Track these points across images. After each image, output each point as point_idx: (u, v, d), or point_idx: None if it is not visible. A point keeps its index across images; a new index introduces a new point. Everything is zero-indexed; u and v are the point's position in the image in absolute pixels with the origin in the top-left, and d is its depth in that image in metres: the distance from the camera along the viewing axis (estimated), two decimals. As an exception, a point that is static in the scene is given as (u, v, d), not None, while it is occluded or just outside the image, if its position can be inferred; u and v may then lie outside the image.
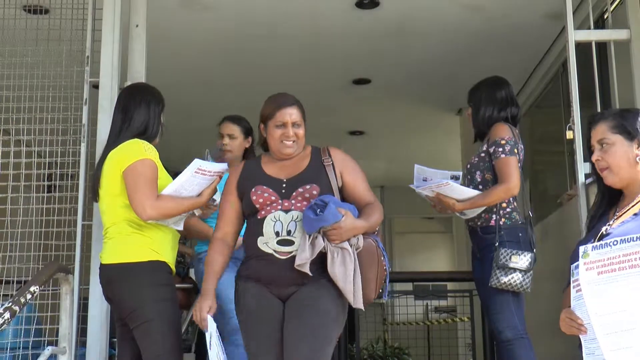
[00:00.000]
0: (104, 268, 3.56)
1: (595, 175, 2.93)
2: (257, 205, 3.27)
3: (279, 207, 3.24)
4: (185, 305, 5.28)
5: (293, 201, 3.25)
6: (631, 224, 2.67)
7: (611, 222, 2.76)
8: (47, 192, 4.61)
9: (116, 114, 3.74)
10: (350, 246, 3.13)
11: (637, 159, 2.77)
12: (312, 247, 3.10)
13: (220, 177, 3.66)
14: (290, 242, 3.17)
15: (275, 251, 3.18)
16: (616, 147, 2.79)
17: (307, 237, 3.12)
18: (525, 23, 5.81)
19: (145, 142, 3.58)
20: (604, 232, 2.73)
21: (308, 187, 3.27)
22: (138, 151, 3.51)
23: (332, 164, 3.40)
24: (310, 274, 3.10)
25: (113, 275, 3.50)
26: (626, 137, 2.78)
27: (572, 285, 2.62)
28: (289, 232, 3.18)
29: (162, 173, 3.60)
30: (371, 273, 3.21)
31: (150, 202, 3.43)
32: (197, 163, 3.52)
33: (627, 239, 2.49)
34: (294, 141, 3.42)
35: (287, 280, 3.17)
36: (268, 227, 3.21)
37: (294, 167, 3.39)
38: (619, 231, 2.67)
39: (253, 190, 3.30)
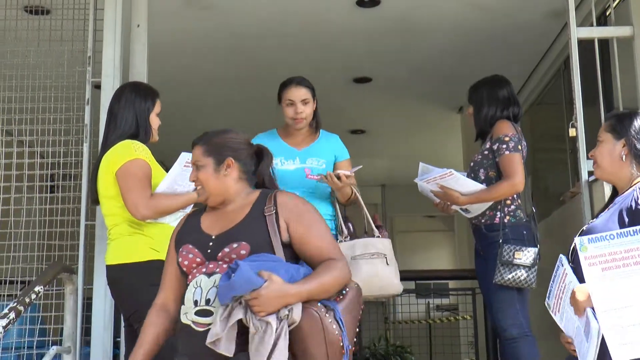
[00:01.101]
0: (108, 269, 3.60)
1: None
2: (184, 269, 2.78)
3: (203, 270, 2.70)
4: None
5: (220, 262, 2.69)
6: (602, 217, 2.82)
7: (596, 218, 2.90)
8: (50, 193, 4.62)
9: (106, 116, 3.79)
10: (280, 319, 2.51)
11: (622, 157, 2.89)
12: (225, 321, 2.52)
13: None
14: (208, 313, 2.62)
15: (193, 322, 2.64)
16: (604, 144, 2.94)
17: (223, 307, 2.53)
18: (527, 20, 5.80)
19: (136, 142, 3.58)
20: (584, 229, 2.85)
21: (235, 245, 2.69)
22: (128, 152, 3.52)
23: (276, 213, 2.78)
24: (226, 352, 2.50)
25: (116, 276, 3.54)
26: (614, 136, 2.92)
27: (560, 278, 2.66)
28: (207, 301, 2.63)
29: (158, 171, 3.61)
30: (318, 352, 2.55)
31: (143, 201, 3.44)
32: (184, 156, 3.50)
33: (624, 232, 2.53)
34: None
35: (207, 356, 2.55)
36: (189, 294, 2.69)
37: (229, 220, 2.82)
38: (593, 225, 2.81)
39: (180, 249, 2.80)
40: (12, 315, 3.39)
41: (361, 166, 4.03)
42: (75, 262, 4.24)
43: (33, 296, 3.58)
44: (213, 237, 2.77)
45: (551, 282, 2.71)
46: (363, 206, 4.04)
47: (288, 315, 2.52)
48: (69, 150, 4.46)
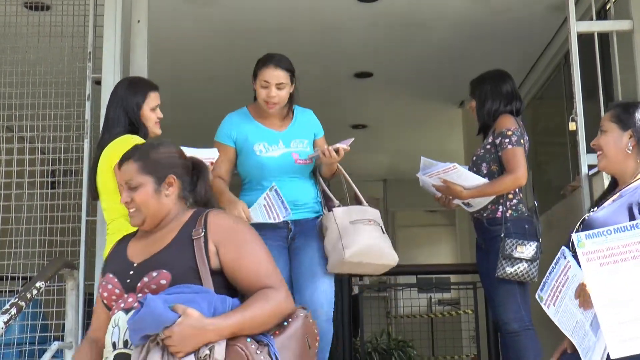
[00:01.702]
0: None
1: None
2: (105, 302, 2.47)
3: (122, 304, 2.39)
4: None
5: (139, 295, 2.37)
6: (606, 210, 2.79)
7: (595, 209, 2.87)
8: (51, 189, 4.62)
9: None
10: None
11: (628, 149, 2.87)
12: None
13: (212, 163, 3.65)
14: (127, 357, 2.29)
15: None
16: (609, 133, 2.92)
17: (138, 350, 2.23)
18: (527, 14, 5.80)
19: (136, 137, 3.57)
20: (586, 219, 2.83)
21: (155, 274, 2.37)
22: (126, 147, 3.49)
23: (205, 235, 2.44)
24: None
25: None
26: (620, 126, 2.90)
27: (556, 274, 2.65)
28: (125, 343, 2.31)
29: None
30: None
31: None
32: (213, 152, 3.60)
33: (622, 227, 2.53)
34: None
35: None
36: (107, 335, 2.38)
37: (155, 245, 2.50)
38: (595, 217, 2.78)
39: (101, 280, 2.52)
40: (13, 310, 3.40)
41: (353, 138, 3.85)
42: (76, 257, 4.25)
43: (34, 292, 3.59)
44: (135, 264, 2.46)
45: (548, 273, 2.69)
46: (348, 179, 3.94)
47: (209, 354, 2.20)
48: (70, 146, 4.47)
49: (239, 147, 3.88)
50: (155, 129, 3.77)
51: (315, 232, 3.77)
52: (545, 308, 2.68)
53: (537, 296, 2.74)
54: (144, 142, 3.57)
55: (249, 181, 3.91)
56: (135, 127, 3.67)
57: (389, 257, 3.74)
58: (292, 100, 3.93)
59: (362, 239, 3.64)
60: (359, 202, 3.91)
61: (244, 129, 3.88)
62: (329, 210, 3.77)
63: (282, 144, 3.84)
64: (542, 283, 2.72)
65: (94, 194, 3.70)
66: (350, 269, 3.77)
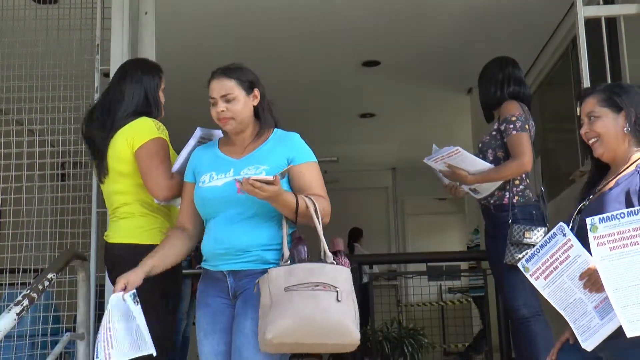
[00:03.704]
0: (110, 247, 3.47)
1: (587, 149, 2.97)
2: None
3: None
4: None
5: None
6: (606, 197, 2.73)
7: (591, 197, 2.82)
8: (61, 181, 4.65)
9: (107, 95, 3.65)
10: None
11: (626, 129, 2.81)
12: None
13: None
14: None
15: None
16: (603, 119, 2.83)
17: None
18: (535, 0, 5.78)
19: (157, 121, 3.50)
20: (583, 207, 2.79)
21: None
22: (150, 130, 3.43)
23: None
24: None
25: (124, 255, 3.38)
26: (613, 110, 2.83)
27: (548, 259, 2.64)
28: None
29: (172, 153, 3.52)
30: None
31: (166, 182, 3.35)
32: (198, 132, 3.42)
33: (635, 210, 2.51)
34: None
35: None
36: None
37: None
38: (594, 205, 2.73)
39: None
40: (25, 302, 3.42)
41: (288, 167, 2.93)
42: (87, 249, 4.27)
43: (46, 283, 3.61)
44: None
45: (539, 246, 2.66)
46: (317, 222, 2.92)
47: None
48: (79, 138, 4.48)
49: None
50: (162, 111, 3.69)
51: (258, 295, 2.85)
52: (530, 278, 2.65)
53: (520, 264, 2.70)
54: (162, 125, 3.51)
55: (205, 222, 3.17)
56: (148, 108, 3.55)
57: (341, 335, 2.72)
58: (261, 118, 3.16)
59: (294, 313, 2.69)
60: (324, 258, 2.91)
61: (202, 160, 3.19)
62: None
63: (232, 172, 3.03)
64: (529, 254, 2.68)
65: (101, 175, 3.57)
66: (291, 349, 2.82)
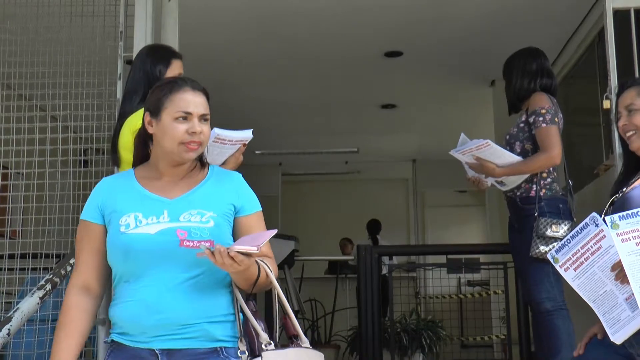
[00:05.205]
0: None
1: (621, 142, 2.91)
2: None
3: None
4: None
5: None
6: (638, 190, 2.68)
7: (624, 189, 2.77)
8: (83, 167, 4.66)
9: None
10: None
11: None
12: None
13: (245, 145, 3.50)
14: None
15: None
16: None
17: None
18: (560, -8, 5.73)
19: None
20: (616, 199, 2.75)
21: None
22: None
23: None
24: None
25: None
26: None
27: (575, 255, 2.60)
28: None
29: None
30: None
31: None
32: (214, 132, 3.34)
33: None
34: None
35: None
36: None
37: None
38: (629, 196, 2.69)
39: None
40: (48, 286, 3.45)
41: (276, 230, 2.39)
42: (108, 235, 4.28)
43: (68, 268, 3.63)
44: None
45: (570, 237, 2.61)
46: (281, 297, 2.44)
47: None
48: (102, 124, 4.49)
49: (107, 223, 2.48)
50: None
51: None
52: (559, 269, 2.61)
53: (549, 255, 2.66)
54: None
55: (117, 281, 2.46)
56: None
57: None
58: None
59: None
60: (294, 336, 2.46)
61: (115, 196, 2.50)
62: (253, 353, 2.36)
63: (167, 216, 2.41)
64: (559, 245, 2.64)
65: (117, 164, 3.58)
66: None
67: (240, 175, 2.61)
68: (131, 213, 2.41)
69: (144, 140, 2.57)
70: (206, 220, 2.40)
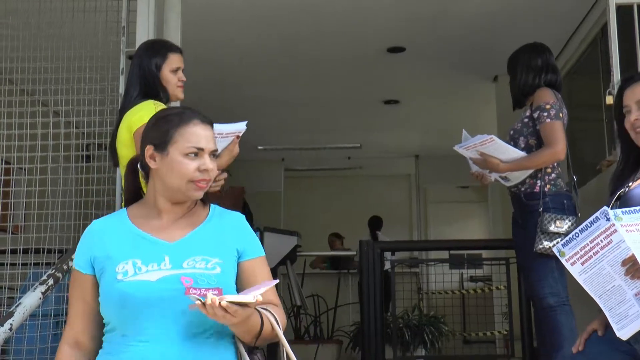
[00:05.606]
0: None
1: (620, 137, 2.87)
2: None
3: None
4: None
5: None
6: (638, 189, 2.65)
7: (630, 184, 2.74)
8: (86, 162, 4.67)
9: None
10: None
11: None
12: None
13: (239, 137, 3.46)
14: None
15: None
16: None
17: None
18: (563, -14, 5.72)
19: (158, 103, 3.42)
20: (622, 194, 2.71)
21: None
22: (148, 111, 3.30)
23: None
24: None
25: None
26: None
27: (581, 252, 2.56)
28: None
29: None
30: None
31: None
32: (241, 126, 3.37)
33: None
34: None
35: None
36: None
37: None
38: (634, 193, 2.66)
39: None
40: (50, 281, 3.45)
41: (278, 280, 2.30)
42: (111, 230, 4.28)
43: (70, 264, 3.62)
44: None
45: (578, 231, 2.56)
46: (288, 352, 2.18)
47: None
48: (104, 120, 4.50)
49: (98, 272, 2.27)
50: (177, 93, 3.61)
51: None
52: (565, 263, 2.55)
53: (555, 249, 2.60)
54: (165, 107, 3.36)
55: (110, 329, 2.25)
56: (154, 90, 3.51)
57: None
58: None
59: None
60: None
61: (108, 241, 2.29)
62: None
63: (169, 262, 2.22)
64: (567, 239, 2.59)
65: (115, 161, 3.58)
66: None
67: (244, 216, 2.42)
68: (129, 260, 2.20)
69: (134, 169, 2.39)
70: (212, 266, 2.22)
